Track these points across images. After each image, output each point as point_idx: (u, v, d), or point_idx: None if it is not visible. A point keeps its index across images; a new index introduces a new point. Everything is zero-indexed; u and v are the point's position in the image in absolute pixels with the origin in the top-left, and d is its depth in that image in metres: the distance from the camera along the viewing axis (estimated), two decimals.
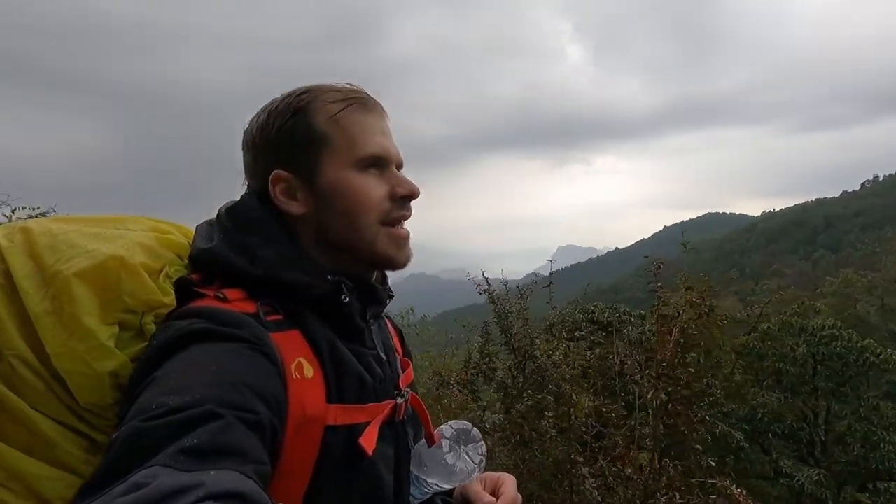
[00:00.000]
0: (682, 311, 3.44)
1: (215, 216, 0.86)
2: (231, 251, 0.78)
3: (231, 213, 0.83)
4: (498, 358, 3.87)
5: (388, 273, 0.93)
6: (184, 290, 0.76)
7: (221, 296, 0.74)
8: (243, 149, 0.87)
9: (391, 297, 0.96)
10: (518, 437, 2.97)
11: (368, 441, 0.76)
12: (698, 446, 3.30)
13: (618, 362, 3.02)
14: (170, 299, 0.74)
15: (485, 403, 3.44)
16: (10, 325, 0.66)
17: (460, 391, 3.73)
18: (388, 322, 1.06)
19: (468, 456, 0.94)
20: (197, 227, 0.86)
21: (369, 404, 0.80)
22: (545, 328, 3.88)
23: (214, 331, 0.66)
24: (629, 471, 3.07)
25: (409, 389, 0.92)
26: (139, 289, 0.71)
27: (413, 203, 0.87)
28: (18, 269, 0.69)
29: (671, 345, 3.04)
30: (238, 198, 0.87)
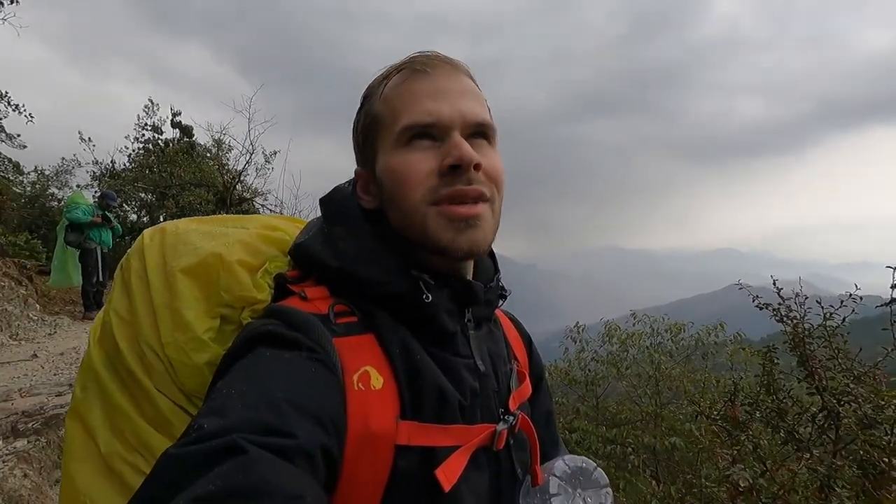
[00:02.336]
0: None
1: None
2: (320, 243, 0.75)
3: (322, 203, 0.81)
4: (791, 397, 2.79)
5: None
6: (282, 286, 0.76)
7: (303, 294, 0.71)
8: None
9: (504, 296, 0.83)
10: None
11: (448, 473, 0.65)
12: None
13: None
14: (264, 295, 0.75)
15: (734, 453, 2.50)
16: (144, 315, 0.74)
17: (719, 429, 2.84)
18: (510, 327, 0.93)
19: (585, 503, 0.77)
20: (310, 221, 0.84)
21: (455, 425, 0.68)
22: None
23: (281, 335, 0.63)
24: None
25: (519, 410, 0.79)
26: (234, 284, 0.74)
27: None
28: (151, 264, 0.77)
29: None
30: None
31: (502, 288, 0.83)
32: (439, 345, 0.72)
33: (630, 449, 6.29)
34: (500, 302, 0.84)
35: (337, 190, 0.82)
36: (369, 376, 0.65)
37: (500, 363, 0.81)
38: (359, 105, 0.78)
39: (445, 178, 0.69)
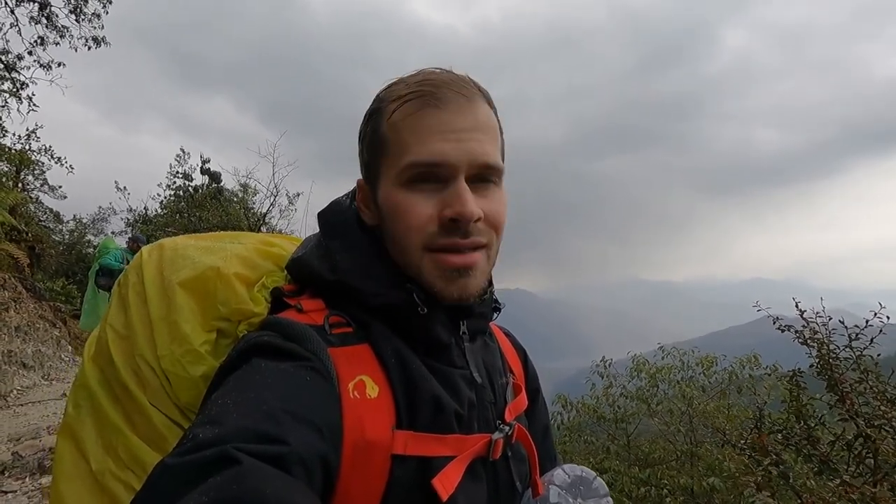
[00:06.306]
0: None
1: None
2: (317, 257, 0.75)
3: (320, 216, 0.81)
4: (825, 426, 2.63)
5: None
6: (278, 299, 0.76)
7: (299, 307, 0.71)
8: None
9: (497, 309, 0.84)
10: None
11: (445, 482, 0.64)
12: None
13: None
14: (261, 308, 0.75)
15: (758, 479, 2.34)
16: (140, 329, 0.74)
17: (749, 457, 2.68)
18: (505, 341, 0.94)
19: None
20: (307, 237, 0.85)
21: (452, 435, 0.68)
22: None
23: (276, 346, 0.63)
24: None
25: (515, 421, 0.78)
26: (231, 297, 0.74)
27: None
28: (148, 279, 0.78)
29: None
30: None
31: (496, 301, 0.83)
32: (434, 356, 0.73)
33: (666, 491, 5.97)
34: (495, 315, 0.84)
35: (335, 204, 0.83)
36: (365, 385, 0.64)
37: (496, 375, 0.81)
38: (365, 116, 0.77)
39: (444, 227, 0.68)
